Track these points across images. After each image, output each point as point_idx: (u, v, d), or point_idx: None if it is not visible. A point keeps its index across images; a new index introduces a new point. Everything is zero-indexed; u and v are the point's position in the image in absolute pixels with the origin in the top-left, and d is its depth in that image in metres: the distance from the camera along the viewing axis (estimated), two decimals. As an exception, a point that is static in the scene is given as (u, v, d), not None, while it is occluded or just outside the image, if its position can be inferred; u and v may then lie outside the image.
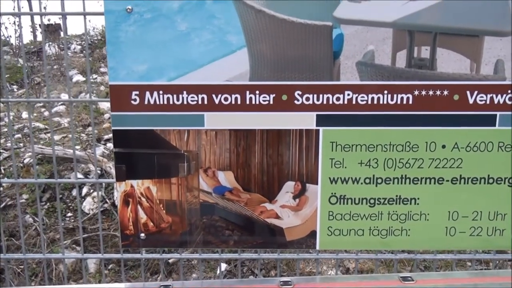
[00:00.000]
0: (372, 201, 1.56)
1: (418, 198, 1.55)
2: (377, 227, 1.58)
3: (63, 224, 3.46)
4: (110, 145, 4.40)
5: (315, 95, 1.48)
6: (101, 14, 1.46)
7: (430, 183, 1.53)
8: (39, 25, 7.03)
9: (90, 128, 4.70)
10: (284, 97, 1.48)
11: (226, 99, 1.48)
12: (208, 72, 1.47)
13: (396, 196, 1.55)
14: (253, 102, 1.48)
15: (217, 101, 1.48)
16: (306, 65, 1.46)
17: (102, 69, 6.62)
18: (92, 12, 1.59)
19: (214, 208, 1.58)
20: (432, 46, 1.45)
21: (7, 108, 1.63)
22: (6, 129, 4.77)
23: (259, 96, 1.48)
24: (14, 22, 6.77)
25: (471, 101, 1.47)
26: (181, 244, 1.63)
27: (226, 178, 1.56)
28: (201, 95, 1.48)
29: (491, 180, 1.53)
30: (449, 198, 1.55)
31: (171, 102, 1.49)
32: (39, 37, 8.13)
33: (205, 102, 1.49)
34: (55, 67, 6.74)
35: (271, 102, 1.48)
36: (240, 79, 1.48)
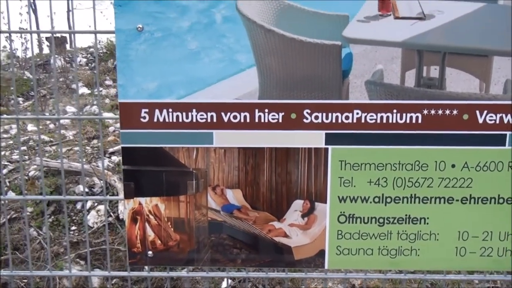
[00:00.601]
0: (381, 220, 1.55)
1: (428, 218, 1.54)
2: (386, 246, 1.56)
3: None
4: (114, 158, 4.41)
5: (324, 114, 1.48)
6: (112, 32, 1.47)
7: (439, 202, 1.52)
8: (46, 38, 7.10)
9: (95, 141, 4.71)
10: (293, 116, 1.48)
11: (235, 117, 1.49)
12: (217, 90, 1.48)
13: (406, 215, 1.54)
14: (262, 120, 1.48)
15: (226, 119, 1.49)
16: (315, 83, 1.47)
17: (107, 82, 6.66)
18: (103, 30, 1.60)
19: (222, 226, 1.57)
20: (441, 65, 1.45)
21: (17, 124, 1.63)
22: (11, 141, 4.78)
23: (268, 114, 1.48)
24: (21, 35, 6.83)
25: (480, 120, 1.46)
26: (188, 262, 1.62)
27: (234, 196, 1.56)
28: (210, 113, 1.48)
29: (501, 200, 1.52)
30: (459, 218, 1.53)
31: (180, 120, 1.49)
32: (46, 50, 8.21)
33: (214, 120, 1.49)
34: (60, 79, 6.78)
35: (280, 121, 1.48)
36: (249, 98, 1.48)
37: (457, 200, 1.52)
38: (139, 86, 1.48)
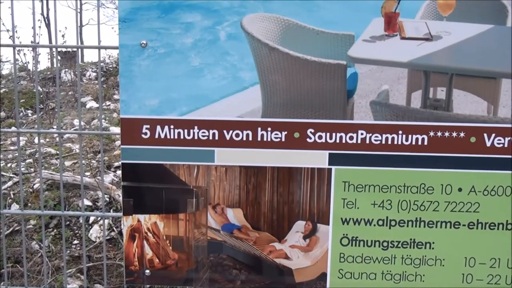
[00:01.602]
0: (385, 244, 1.50)
1: (433, 243, 1.50)
2: (390, 271, 1.52)
3: (68, 252, 3.42)
4: (120, 172, 4.40)
5: (328, 134, 1.45)
6: (116, 48, 1.47)
7: (445, 227, 1.48)
8: (58, 52, 7.18)
9: (100, 155, 4.72)
10: (296, 135, 1.46)
11: (237, 135, 1.47)
12: (220, 108, 1.46)
13: (410, 239, 1.50)
14: (265, 139, 1.46)
15: (228, 137, 1.47)
16: (319, 103, 1.45)
17: (115, 96, 6.71)
18: (107, 46, 1.60)
19: (222, 246, 1.54)
20: (448, 87, 1.43)
21: (17, 138, 1.63)
22: (17, 154, 4.81)
23: (271, 133, 1.46)
24: (33, 49, 6.93)
25: (488, 144, 1.43)
26: (186, 282, 1.59)
27: (235, 216, 1.53)
28: (212, 130, 1.47)
29: (509, 226, 1.47)
30: (465, 243, 1.49)
31: (181, 137, 1.47)
32: (56, 63, 8.31)
33: (216, 137, 1.47)
34: (70, 93, 6.85)
35: (283, 140, 1.46)
36: (252, 116, 1.46)
37: (464, 225, 1.48)
38: (141, 102, 1.47)
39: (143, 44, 1.44)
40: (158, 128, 1.47)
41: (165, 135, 1.47)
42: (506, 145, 1.42)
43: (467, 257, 1.50)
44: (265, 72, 1.44)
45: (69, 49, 7.62)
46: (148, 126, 1.47)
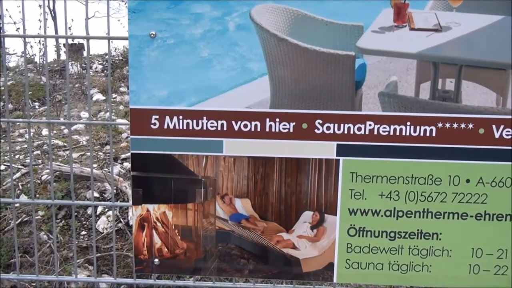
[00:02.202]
0: (392, 234, 1.51)
1: (441, 233, 1.50)
2: (397, 261, 1.53)
3: (76, 242, 3.45)
4: (126, 164, 4.43)
5: (336, 125, 1.46)
6: (125, 38, 1.47)
7: (453, 218, 1.49)
8: (63, 44, 7.21)
9: (107, 147, 4.74)
10: (305, 126, 1.46)
11: (245, 126, 1.47)
12: (228, 99, 1.47)
13: (418, 230, 1.50)
14: (273, 130, 1.47)
15: (236, 128, 1.47)
16: (328, 94, 1.45)
17: (121, 89, 6.72)
18: (116, 36, 1.61)
19: (229, 236, 1.55)
20: (457, 78, 1.42)
21: (28, 128, 1.64)
22: (26, 146, 4.84)
23: (279, 124, 1.47)
24: (40, 41, 6.95)
25: (497, 135, 1.43)
26: (195, 271, 1.60)
27: (243, 206, 1.54)
28: (220, 121, 1.47)
29: (517, 218, 1.47)
30: (473, 234, 1.49)
31: (190, 128, 1.48)
32: (63, 56, 8.34)
33: (225, 128, 1.48)
34: (76, 85, 6.87)
35: (291, 130, 1.47)
36: (261, 106, 1.47)
37: (471, 216, 1.48)
38: (150, 93, 1.48)
39: (152, 35, 1.44)
40: (167, 118, 1.48)
41: (174, 125, 1.48)
42: (514, 137, 1.42)
43: (474, 248, 1.51)
44: (273, 63, 1.45)
45: (75, 42, 7.63)
46: (157, 117, 1.48)
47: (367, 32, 1.42)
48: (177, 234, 1.55)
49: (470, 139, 1.44)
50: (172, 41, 1.45)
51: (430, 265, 1.53)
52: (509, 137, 1.42)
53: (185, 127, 1.48)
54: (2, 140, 4.90)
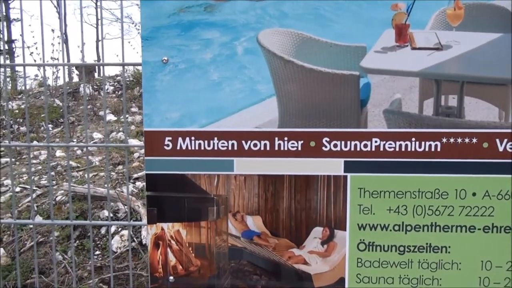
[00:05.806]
0: (401, 248, 1.54)
1: (449, 247, 1.52)
2: (407, 275, 1.55)
3: (90, 262, 3.50)
4: (139, 183, 4.49)
5: (343, 142, 1.50)
6: (139, 64, 1.54)
7: (461, 231, 1.51)
8: (76, 67, 7.37)
9: (120, 167, 4.82)
10: (312, 144, 1.51)
11: (255, 145, 1.52)
12: (238, 119, 1.53)
13: (426, 243, 1.53)
14: (282, 148, 1.52)
15: (246, 147, 1.53)
16: (334, 112, 1.50)
17: (133, 109, 6.84)
18: (130, 63, 1.69)
19: (242, 253, 1.59)
20: (460, 94, 1.47)
21: (48, 151, 1.71)
22: (40, 167, 4.93)
23: (288, 143, 1.52)
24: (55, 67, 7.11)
25: (501, 149, 1.46)
26: (208, 288, 1.64)
27: (254, 223, 1.58)
28: (231, 141, 1.53)
29: (524, 229, 1.49)
30: (481, 247, 1.51)
31: (202, 148, 1.54)
32: (75, 78, 8.52)
33: (235, 148, 1.53)
34: (88, 107, 7.01)
35: (299, 149, 1.51)
36: (269, 126, 1.52)
37: (479, 229, 1.51)
38: (163, 115, 1.54)
39: (164, 60, 1.51)
40: (180, 139, 1.54)
41: (186, 146, 1.54)
42: (518, 150, 1.45)
43: (484, 260, 1.52)
44: (280, 84, 1.51)
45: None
46: (170, 138, 1.54)
47: (370, 52, 1.47)
48: (191, 251, 1.60)
49: (475, 153, 1.47)
50: (183, 66, 1.52)
51: (440, 278, 1.54)
52: (513, 150, 1.45)
53: (197, 148, 1.54)
54: (18, 163, 5.00)
